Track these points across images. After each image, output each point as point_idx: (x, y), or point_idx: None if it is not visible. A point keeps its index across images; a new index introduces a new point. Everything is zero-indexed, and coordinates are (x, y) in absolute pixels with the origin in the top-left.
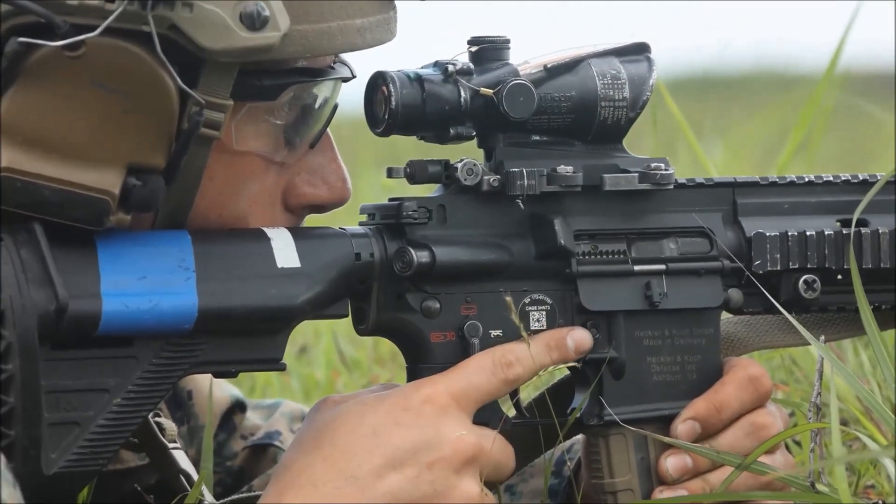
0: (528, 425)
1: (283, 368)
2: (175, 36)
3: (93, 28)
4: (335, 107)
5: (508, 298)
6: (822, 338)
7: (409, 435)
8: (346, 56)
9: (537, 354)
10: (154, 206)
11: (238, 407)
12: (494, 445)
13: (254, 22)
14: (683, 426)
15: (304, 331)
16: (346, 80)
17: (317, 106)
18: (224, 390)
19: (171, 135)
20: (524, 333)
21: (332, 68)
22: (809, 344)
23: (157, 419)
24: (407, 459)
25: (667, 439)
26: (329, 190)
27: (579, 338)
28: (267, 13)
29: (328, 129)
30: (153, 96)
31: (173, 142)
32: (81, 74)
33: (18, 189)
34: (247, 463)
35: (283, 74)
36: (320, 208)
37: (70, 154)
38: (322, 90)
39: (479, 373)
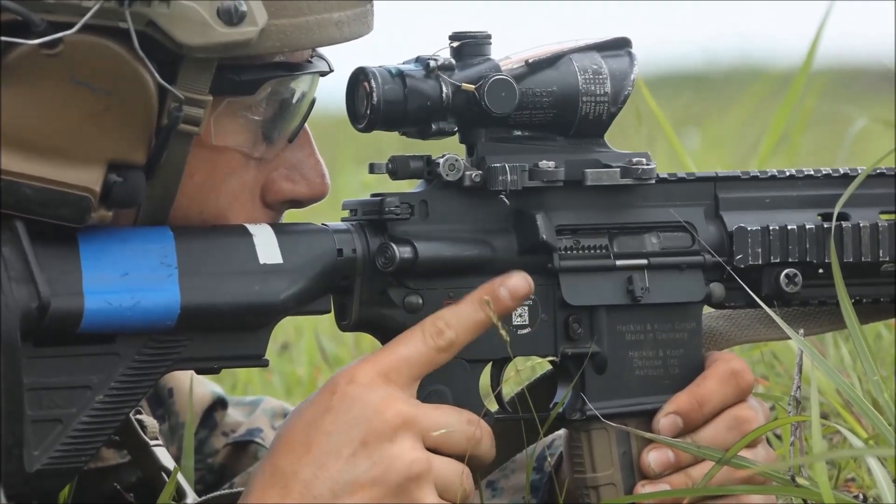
0: (511, 420)
1: (265, 365)
2: (152, 32)
3: (70, 25)
4: (313, 101)
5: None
6: (802, 331)
7: (338, 418)
8: (323, 50)
9: (469, 313)
10: (135, 202)
11: (219, 404)
12: (439, 415)
13: (231, 17)
14: (665, 420)
15: (286, 328)
16: (323, 74)
17: (294, 100)
18: (205, 387)
19: (151, 131)
20: (499, 326)
21: (310, 62)
22: (791, 338)
23: (138, 416)
24: (341, 443)
25: (648, 434)
26: (307, 185)
27: (513, 284)
28: (244, 8)
29: (306, 124)
30: (132, 93)
31: (153, 138)
32: (60, 72)
33: (0, 188)
34: (228, 460)
35: (260, 69)
36: (299, 203)
37: (50, 152)
38: (300, 85)
39: (407, 344)
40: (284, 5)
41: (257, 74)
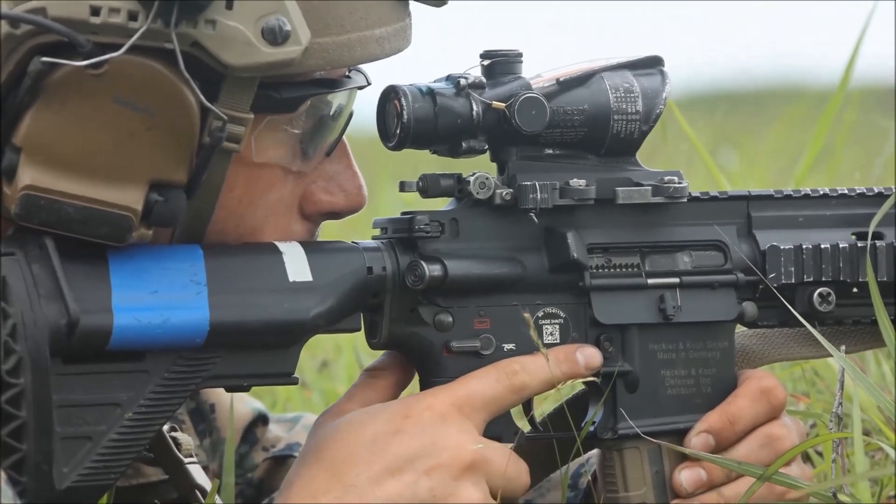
0: (543, 439)
1: (294, 382)
2: (197, 52)
3: (115, 46)
4: (350, 114)
5: (526, 315)
6: (843, 348)
7: (408, 442)
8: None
9: (544, 365)
10: (176, 221)
11: (260, 420)
12: (502, 458)
13: (276, 37)
14: (697, 439)
15: (325, 345)
16: (361, 87)
17: (332, 114)
18: (247, 404)
19: (193, 150)
20: (541, 346)
21: (349, 77)
22: (825, 356)
23: (173, 434)
24: (405, 466)
25: (686, 450)
26: (345, 197)
27: (589, 354)
28: (288, 28)
29: (344, 137)
30: (175, 113)
31: (194, 157)
32: (103, 92)
33: (42, 207)
34: (267, 475)
35: (301, 86)
36: (336, 215)
37: (92, 171)
38: (337, 98)
39: (482, 381)
40: (327, 23)
41: (298, 91)
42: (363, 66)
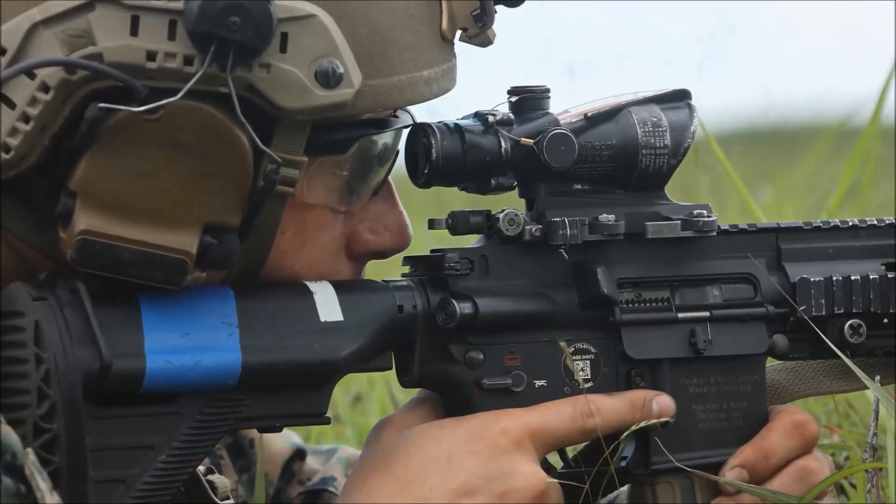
0: (575, 475)
1: (327, 422)
2: (251, 96)
3: (171, 91)
4: (396, 154)
5: (563, 344)
6: (878, 378)
7: (484, 464)
8: None
9: (621, 411)
10: (230, 263)
11: (298, 455)
12: (559, 494)
13: (329, 80)
14: (732, 473)
15: (358, 380)
16: (408, 127)
17: (379, 154)
18: (286, 439)
19: (246, 193)
20: (581, 381)
21: (396, 117)
22: (854, 390)
23: (209, 477)
24: (480, 487)
25: (722, 479)
26: (391, 237)
27: (664, 402)
28: (341, 70)
29: (389, 177)
30: (230, 156)
31: (248, 200)
32: (158, 136)
33: (98, 251)
34: None
35: (351, 127)
36: (382, 255)
37: (147, 215)
38: (384, 138)
39: (557, 416)
40: (378, 66)
41: (349, 133)
42: (409, 107)
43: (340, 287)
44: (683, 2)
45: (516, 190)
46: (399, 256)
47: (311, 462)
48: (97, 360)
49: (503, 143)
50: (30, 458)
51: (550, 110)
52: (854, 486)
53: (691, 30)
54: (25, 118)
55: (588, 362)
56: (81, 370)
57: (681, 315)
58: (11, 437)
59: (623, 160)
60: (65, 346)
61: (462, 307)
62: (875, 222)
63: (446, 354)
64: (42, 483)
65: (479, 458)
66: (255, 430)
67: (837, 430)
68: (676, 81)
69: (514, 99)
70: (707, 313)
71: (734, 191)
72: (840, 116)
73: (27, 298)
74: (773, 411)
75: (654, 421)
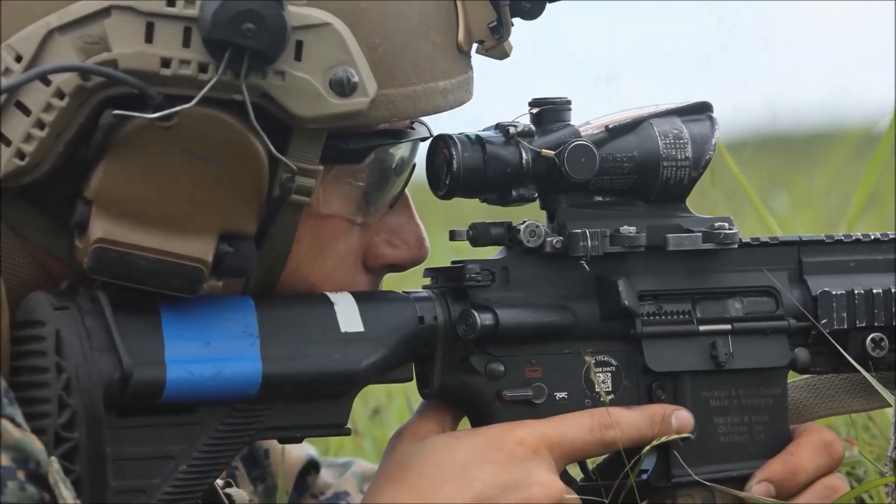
0: (594, 488)
1: (347, 433)
2: (266, 104)
3: (186, 98)
4: (413, 166)
5: (588, 358)
6: None
7: (500, 473)
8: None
9: (640, 425)
10: (247, 272)
11: (312, 467)
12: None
13: (343, 88)
14: (759, 487)
15: (377, 392)
16: (424, 139)
17: (396, 166)
18: (299, 450)
19: (262, 201)
20: (603, 393)
21: (412, 128)
22: (876, 408)
23: (227, 490)
24: (495, 496)
25: (747, 495)
26: (408, 250)
27: (683, 418)
28: (356, 79)
29: (406, 189)
30: (245, 164)
31: (264, 208)
32: (173, 144)
33: (114, 260)
34: None
35: (367, 137)
36: (399, 268)
37: (163, 223)
38: (401, 150)
39: (575, 427)
40: (393, 75)
41: (365, 143)
42: (426, 119)
43: (361, 298)
44: (684, 2)
45: (537, 201)
46: (420, 268)
47: (325, 475)
48: (118, 368)
49: (524, 155)
50: (54, 467)
51: (571, 122)
52: (871, 497)
53: (692, 31)
54: (40, 124)
55: (609, 374)
56: (102, 379)
57: (702, 328)
58: (36, 445)
59: (644, 172)
60: (85, 355)
61: (483, 318)
62: None
63: (467, 366)
64: (66, 492)
65: (495, 468)
66: (270, 441)
67: (854, 442)
68: (681, 86)
69: (535, 110)
70: (728, 326)
71: (748, 200)
72: (856, 123)
73: (48, 307)
74: (799, 429)
75: (675, 437)
